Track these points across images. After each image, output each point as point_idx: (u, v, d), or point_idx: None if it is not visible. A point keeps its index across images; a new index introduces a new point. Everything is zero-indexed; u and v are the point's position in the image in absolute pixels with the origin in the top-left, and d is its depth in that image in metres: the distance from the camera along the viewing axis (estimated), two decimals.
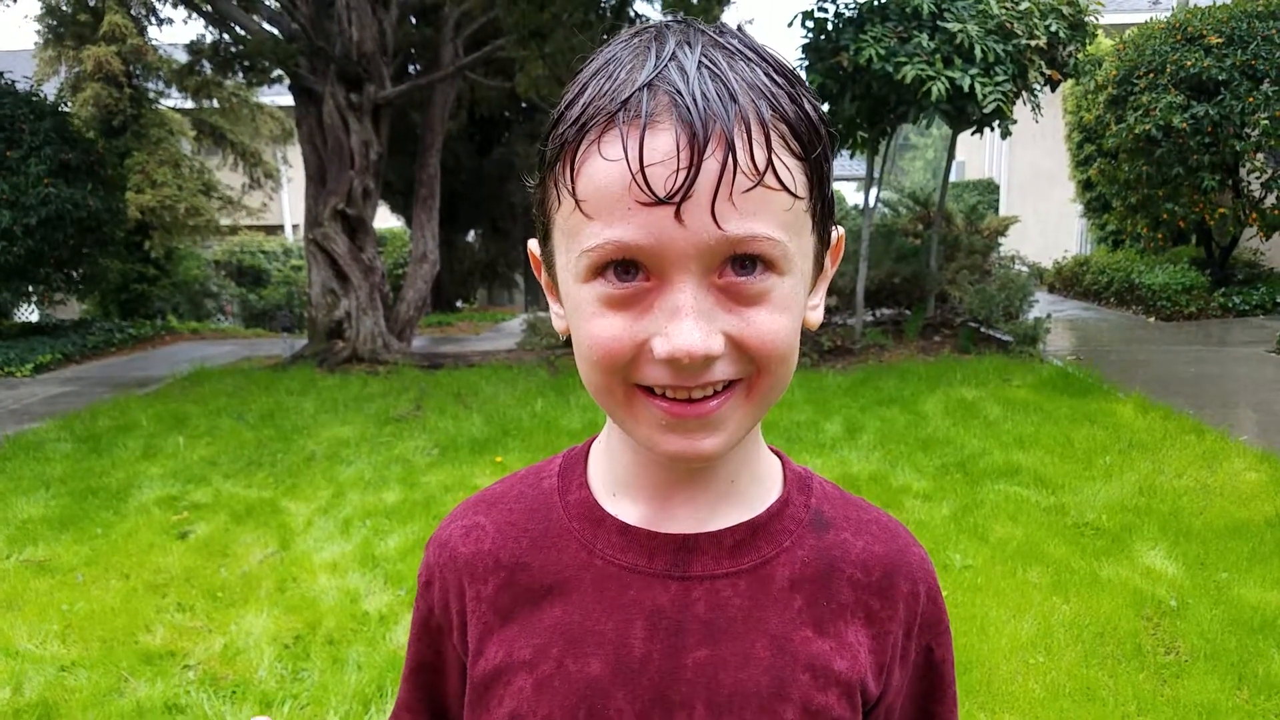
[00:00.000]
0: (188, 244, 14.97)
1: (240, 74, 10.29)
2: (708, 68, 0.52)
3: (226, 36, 9.59)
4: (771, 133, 0.52)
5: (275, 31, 9.11)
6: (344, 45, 8.39)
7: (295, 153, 16.89)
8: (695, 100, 0.51)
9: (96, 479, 5.20)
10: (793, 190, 0.54)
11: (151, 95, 13.61)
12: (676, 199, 0.51)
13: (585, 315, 0.57)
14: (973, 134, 7.91)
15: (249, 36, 9.15)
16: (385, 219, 15.63)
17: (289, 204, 19.48)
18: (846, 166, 17.24)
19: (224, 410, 6.78)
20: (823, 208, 0.58)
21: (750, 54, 0.55)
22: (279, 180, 15.62)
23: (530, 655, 0.64)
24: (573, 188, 0.54)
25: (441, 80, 9.20)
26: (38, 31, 13.47)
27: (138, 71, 13.13)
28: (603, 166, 0.52)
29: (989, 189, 18.02)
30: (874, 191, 8.43)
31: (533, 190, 0.62)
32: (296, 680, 3.02)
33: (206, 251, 16.85)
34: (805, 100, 0.55)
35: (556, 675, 0.62)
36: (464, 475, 5.22)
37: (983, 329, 8.29)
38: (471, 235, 16.60)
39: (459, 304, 16.50)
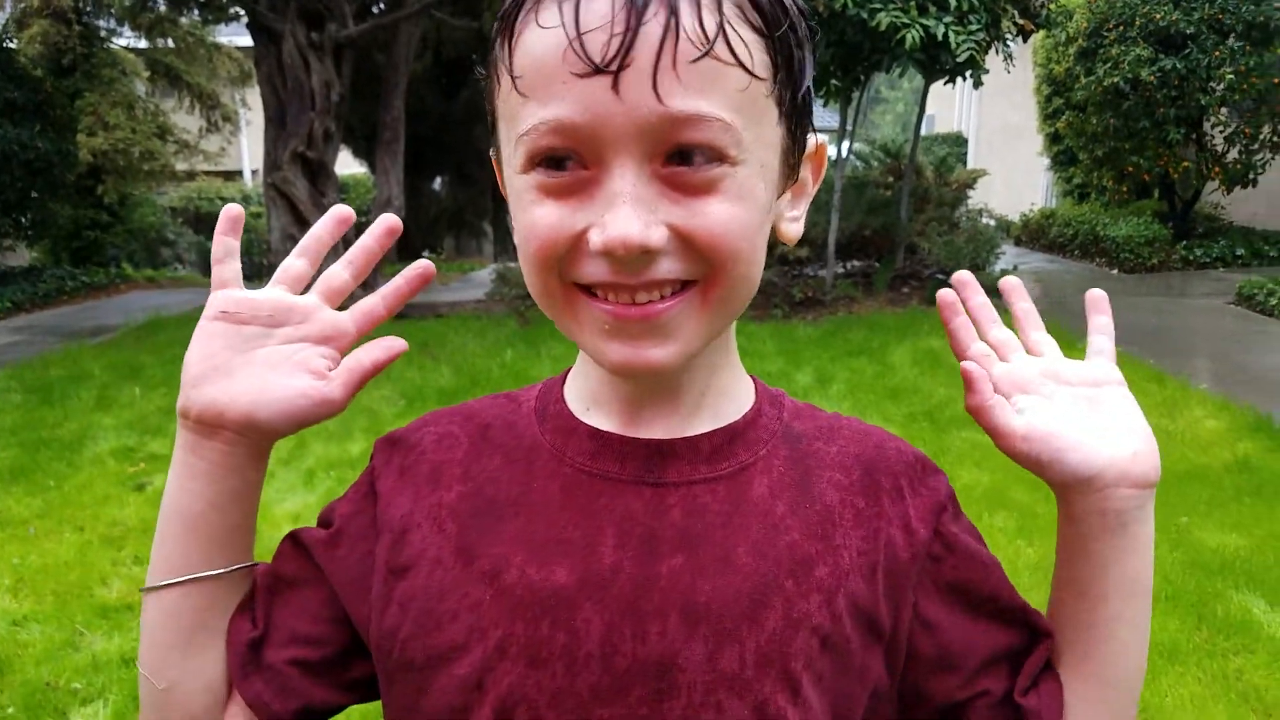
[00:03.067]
0: (142, 189, 14.51)
1: (196, 11, 9.90)
2: None
3: None
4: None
5: None
6: None
7: (254, 95, 16.36)
8: None
9: (48, 430, 5.07)
10: (749, 67, 0.47)
11: (103, 33, 13.06)
12: (613, 67, 0.45)
13: (523, 206, 0.52)
14: (945, 83, 7.85)
15: None
16: (348, 165, 15.26)
17: (248, 149, 18.94)
18: (820, 117, 17.13)
19: (180, 360, 6.60)
20: (793, 98, 0.51)
21: None
22: (237, 124, 15.14)
23: (490, 565, 0.57)
24: (510, 63, 0.49)
25: (406, 18, 8.90)
26: None
27: (88, 8, 12.57)
28: (538, 35, 0.47)
29: (958, 142, 18.00)
30: (846, 143, 8.35)
31: (483, 81, 0.55)
32: None
33: (162, 198, 16.35)
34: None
35: (519, 584, 0.56)
36: None
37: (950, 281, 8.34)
38: (438, 182, 16.28)
39: (425, 253, 16.25)
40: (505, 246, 16.98)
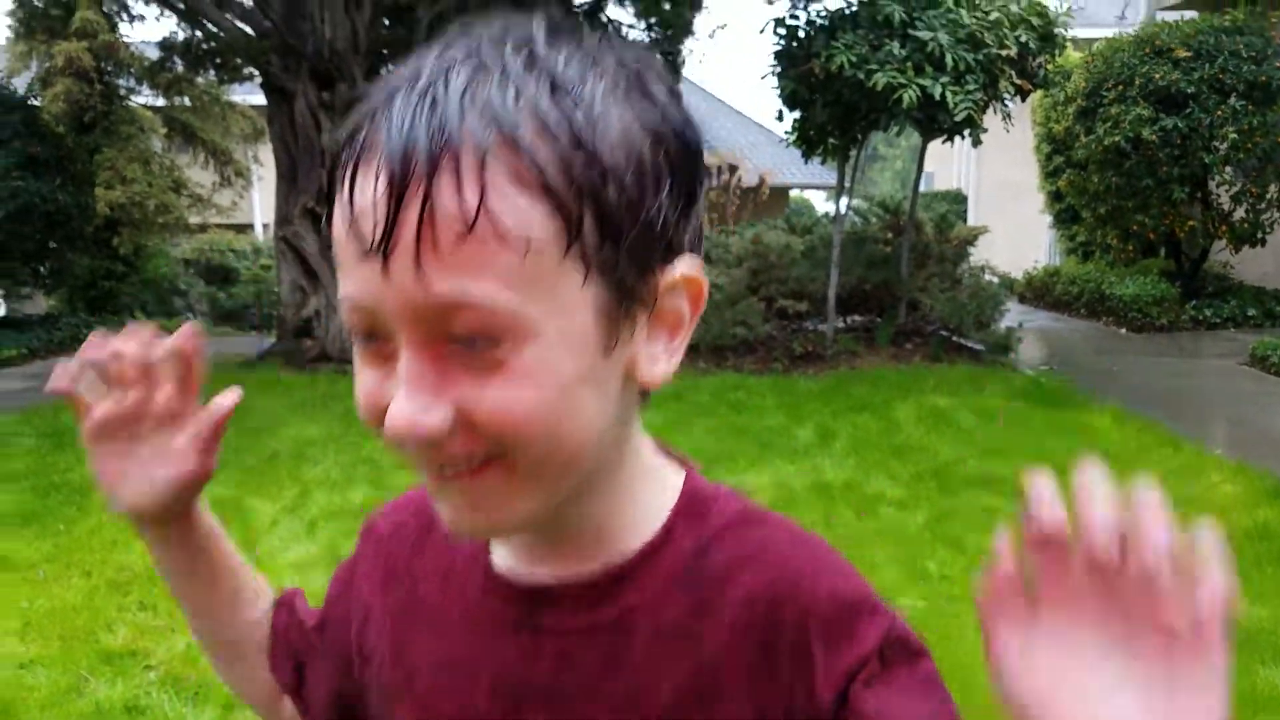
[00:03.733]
0: (157, 241, 14.76)
1: (212, 71, 10.18)
2: (444, 87, 0.43)
3: (199, 33, 9.49)
4: (494, 166, 0.42)
5: (247, 29, 9.03)
6: (316, 43, 8.33)
7: (266, 151, 16.69)
8: (401, 132, 0.42)
9: (59, 474, 5.11)
10: (527, 234, 0.43)
11: (123, 92, 13.43)
12: (380, 250, 0.43)
13: (355, 367, 0.49)
14: (944, 142, 8.00)
15: (221, 33, 9.06)
16: None
17: (259, 203, 19.27)
18: (816, 174, 17.38)
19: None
20: (615, 245, 0.45)
21: (544, 66, 0.45)
22: (249, 179, 15.45)
23: (406, 673, 0.60)
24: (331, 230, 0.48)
25: None
26: (9, 25, 13.26)
27: (109, 68, 12.95)
28: (337, 212, 0.46)
29: (957, 199, 18.22)
30: (844, 200, 8.50)
31: None
32: None
33: (176, 249, 16.61)
34: (598, 122, 0.44)
35: (425, 699, 0.58)
36: None
37: (954, 337, 8.37)
38: None
39: None
40: None
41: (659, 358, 0.51)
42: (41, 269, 10.57)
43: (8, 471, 5.19)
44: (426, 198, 0.42)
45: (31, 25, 12.20)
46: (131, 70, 13.11)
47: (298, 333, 8.69)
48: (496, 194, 0.42)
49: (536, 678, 0.55)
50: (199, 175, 14.85)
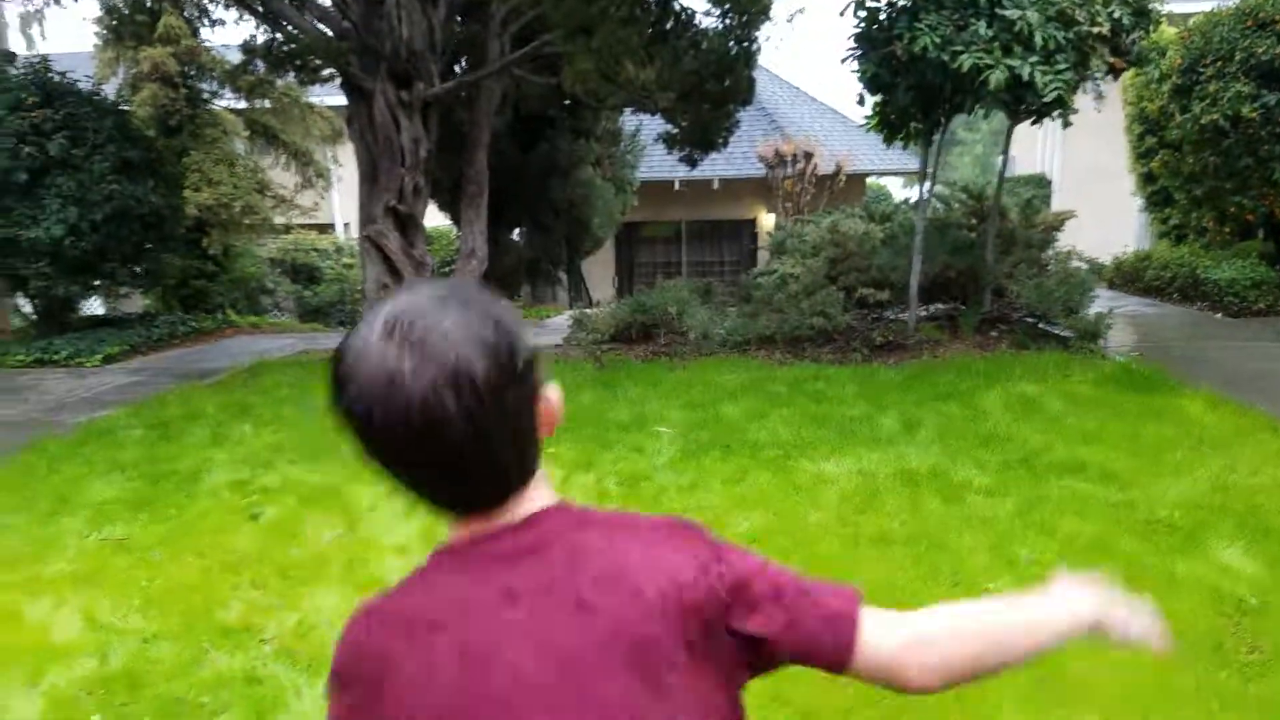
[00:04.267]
0: (244, 242, 15.27)
1: (292, 73, 10.46)
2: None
3: (279, 36, 9.76)
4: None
5: (326, 30, 9.26)
6: (394, 43, 8.49)
7: (345, 152, 17.12)
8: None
9: (168, 464, 5.34)
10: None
11: (205, 95, 13.90)
12: None
13: None
14: (1032, 124, 7.78)
15: (301, 35, 9.31)
16: (432, 217, 15.79)
17: (339, 203, 19.79)
18: (893, 160, 17.04)
19: (287, 400, 6.92)
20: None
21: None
22: (329, 180, 15.87)
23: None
24: None
25: (488, 76, 9.27)
26: (97, 33, 13.83)
27: (192, 72, 13.41)
28: None
29: (1040, 184, 17.69)
30: (926, 185, 8.34)
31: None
32: None
33: (261, 249, 17.17)
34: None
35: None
36: None
37: (1041, 324, 8.15)
38: (516, 233, 16.73)
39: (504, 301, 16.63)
40: (580, 293, 17.29)
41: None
42: (137, 269, 11.01)
43: (120, 461, 5.44)
44: None
45: (120, 32, 12.68)
46: (214, 74, 13.57)
47: None
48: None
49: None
50: (281, 177, 15.31)
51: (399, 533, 4.21)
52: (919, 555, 3.80)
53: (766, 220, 18.13)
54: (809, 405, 6.26)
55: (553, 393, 0.88)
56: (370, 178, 8.86)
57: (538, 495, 0.90)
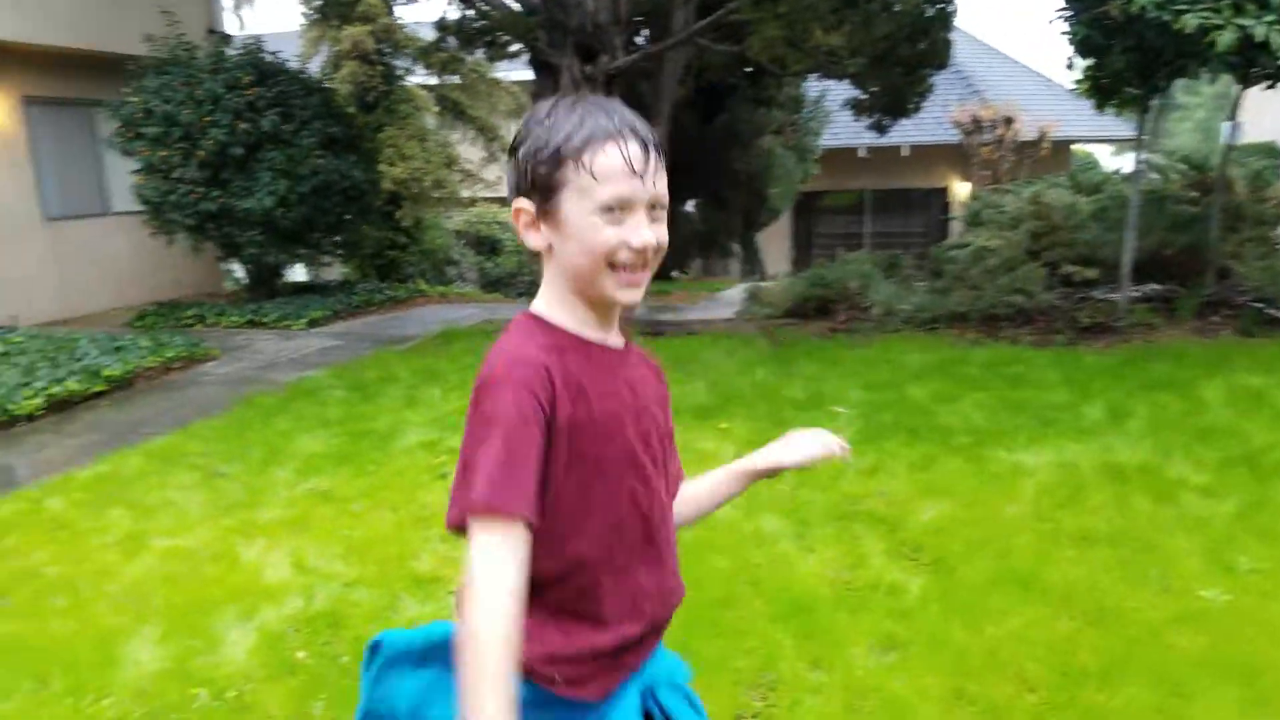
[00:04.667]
0: (433, 214, 16.08)
1: (481, 49, 10.84)
2: (630, 114, 1.14)
3: (470, 12, 10.11)
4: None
5: (516, 6, 9.51)
6: (580, 17, 8.61)
7: None
8: (640, 130, 1.13)
9: (367, 423, 5.70)
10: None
11: (400, 72, 14.63)
12: (644, 174, 1.12)
13: (598, 229, 1.12)
14: (1265, 89, 6.95)
15: (491, 11, 9.61)
16: None
17: None
18: (1103, 126, 15.71)
19: (472, 367, 7.20)
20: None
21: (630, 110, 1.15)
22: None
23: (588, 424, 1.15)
24: (591, 169, 1.10)
25: (672, 47, 9.24)
26: (303, 13, 14.82)
27: (388, 49, 14.13)
28: (611, 157, 1.11)
29: (1270, 153, 15.83)
30: (1143, 154, 7.62)
31: (540, 172, 1.14)
32: None
33: (448, 222, 18.03)
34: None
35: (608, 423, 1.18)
36: (689, 439, 5.25)
37: (1270, 310, 7.32)
38: (690, 205, 16.71)
39: (675, 273, 16.70)
40: (754, 266, 17.05)
41: None
42: (338, 239, 11.79)
43: (325, 418, 5.84)
44: (657, 153, 1.13)
45: (325, 11, 13.50)
46: (408, 51, 14.26)
47: None
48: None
49: (643, 397, 1.24)
50: (467, 151, 15.98)
51: None
52: (1125, 557, 3.49)
53: (960, 190, 17.19)
54: (1005, 390, 5.91)
55: None
56: None
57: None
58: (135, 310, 10.61)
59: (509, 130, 16.46)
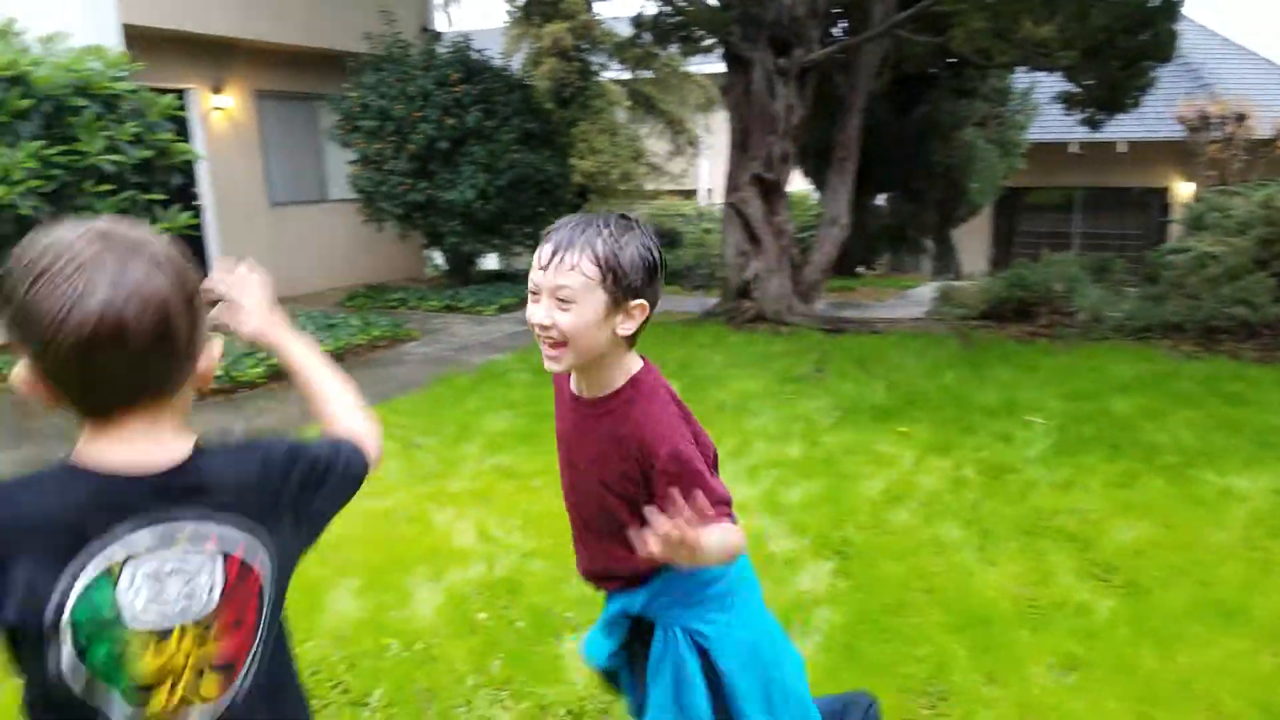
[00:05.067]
0: (617, 207, 16.51)
1: (676, 44, 11.00)
2: (568, 230, 1.48)
3: (666, 8, 10.27)
4: (583, 256, 1.43)
5: (712, 1, 9.57)
6: (776, 10, 8.55)
7: (716, 119, 17.78)
8: (552, 235, 1.48)
9: (547, 405, 5.83)
10: (587, 275, 1.43)
11: (594, 67, 15.06)
12: (544, 268, 1.46)
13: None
14: None
15: (687, 7, 9.72)
16: (792, 182, 15.85)
17: (705, 169, 20.60)
18: None
19: (646, 355, 7.37)
20: (615, 286, 1.44)
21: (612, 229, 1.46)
22: (699, 146, 16.51)
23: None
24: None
25: (870, 39, 9.02)
26: (508, 11, 15.54)
27: (585, 46, 14.58)
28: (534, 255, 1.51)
29: None
30: None
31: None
32: None
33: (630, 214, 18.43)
34: (623, 250, 1.44)
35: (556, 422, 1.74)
36: (865, 440, 5.15)
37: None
38: (880, 199, 16.21)
39: (860, 269, 16.29)
40: (948, 264, 16.32)
41: (626, 327, 1.48)
42: (528, 230, 12.31)
43: (509, 399, 6.14)
44: (562, 255, 1.45)
45: (529, 10, 14.09)
46: (604, 47, 14.67)
47: (738, 293, 9.15)
48: (581, 263, 1.43)
49: (576, 431, 1.66)
50: (653, 144, 16.28)
51: (740, 492, 4.29)
52: None
53: (1182, 190, 15.73)
54: (1221, 408, 5.40)
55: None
56: (740, 145, 9.06)
57: None
58: (346, 291, 11.56)
59: (698, 123, 16.63)
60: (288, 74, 11.79)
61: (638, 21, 10.83)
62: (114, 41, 8.46)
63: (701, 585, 1.67)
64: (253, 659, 1.05)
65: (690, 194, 21.17)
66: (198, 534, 0.98)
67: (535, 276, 1.45)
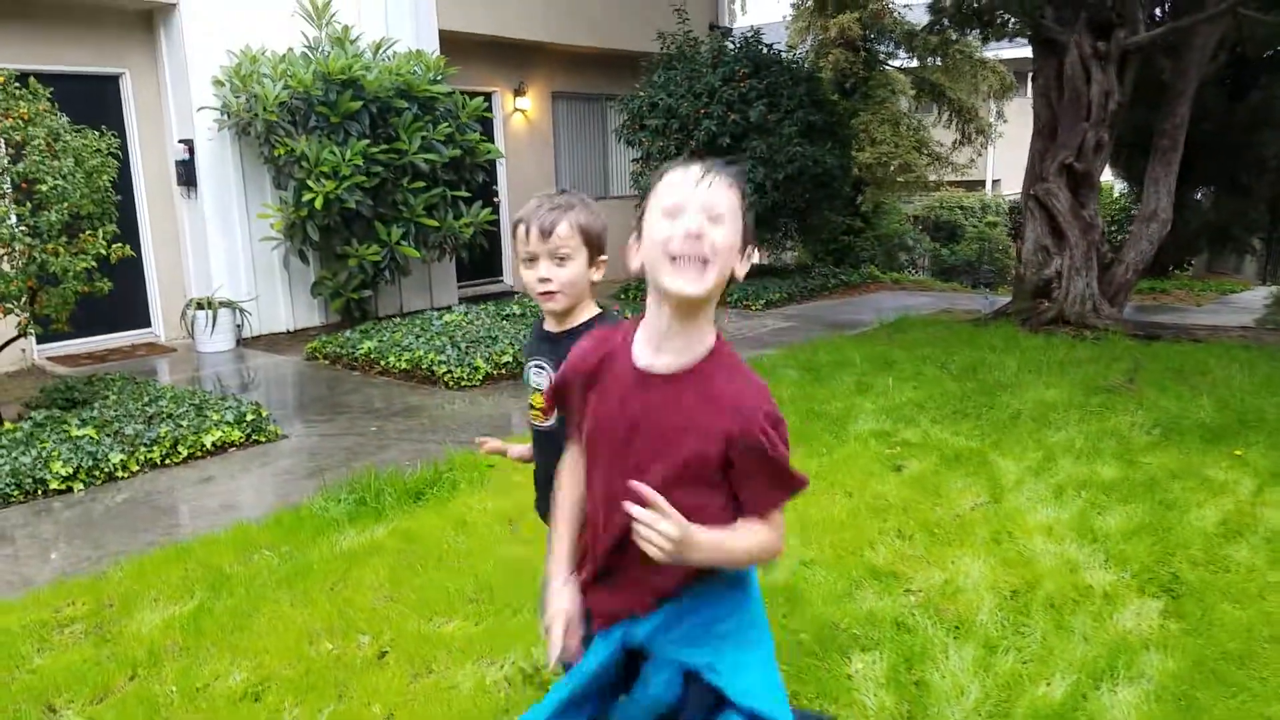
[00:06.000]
0: (893, 199, 15.82)
1: (976, 29, 10.31)
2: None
3: None
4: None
5: None
6: None
7: (1010, 108, 16.52)
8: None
9: (818, 404, 5.79)
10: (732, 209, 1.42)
11: (881, 57, 14.52)
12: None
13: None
14: None
15: None
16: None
17: (993, 160, 19.27)
18: None
19: (928, 358, 6.99)
20: (743, 231, 1.43)
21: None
22: (989, 136, 15.44)
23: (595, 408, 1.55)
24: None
25: (1208, 20, 7.93)
26: (793, 4, 15.36)
27: (873, 35, 14.10)
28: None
29: None
30: None
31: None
32: (1018, 634, 2.93)
33: (906, 207, 17.61)
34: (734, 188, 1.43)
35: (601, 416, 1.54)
36: (1193, 464, 4.52)
37: None
38: (1199, 194, 14.29)
39: (1173, 270, 14.50)
40: (1277, 266, 14.11)
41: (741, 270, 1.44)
42: (799, 225, 12.09)
43: (779, 397, 5.85)
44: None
45: (823, 1, 13.84)
46: (892, 35, 14.08)
47: (1035, 293, 8.42)
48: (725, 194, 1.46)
49: (653, 411, 1.46)
50: (938, 134, 15.40)
51: (1045, 514, 3.92)
52: None
53: None
54: None
55: None
56: (1046, 133, 8.35)
57: None
58: (620, 283, 12.02)
59: (988, 111, 15.55)
60: (581, 75, 12.46)
61: (936, 7, 10.27)
62: (432, 48, 9.31)
63: (713, 620, 1.55)
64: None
65: (976, 185, 19.90)
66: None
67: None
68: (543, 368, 1.99)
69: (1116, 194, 16.92)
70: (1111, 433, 5.06)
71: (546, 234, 1.84)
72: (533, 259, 1.88)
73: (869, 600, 3.18)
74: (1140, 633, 2.94)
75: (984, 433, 5.10)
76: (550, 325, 2.01)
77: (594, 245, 1.91)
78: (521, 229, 1.87)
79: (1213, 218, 14.02)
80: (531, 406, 2.06)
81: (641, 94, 11.05)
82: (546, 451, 1.99)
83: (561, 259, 1.86)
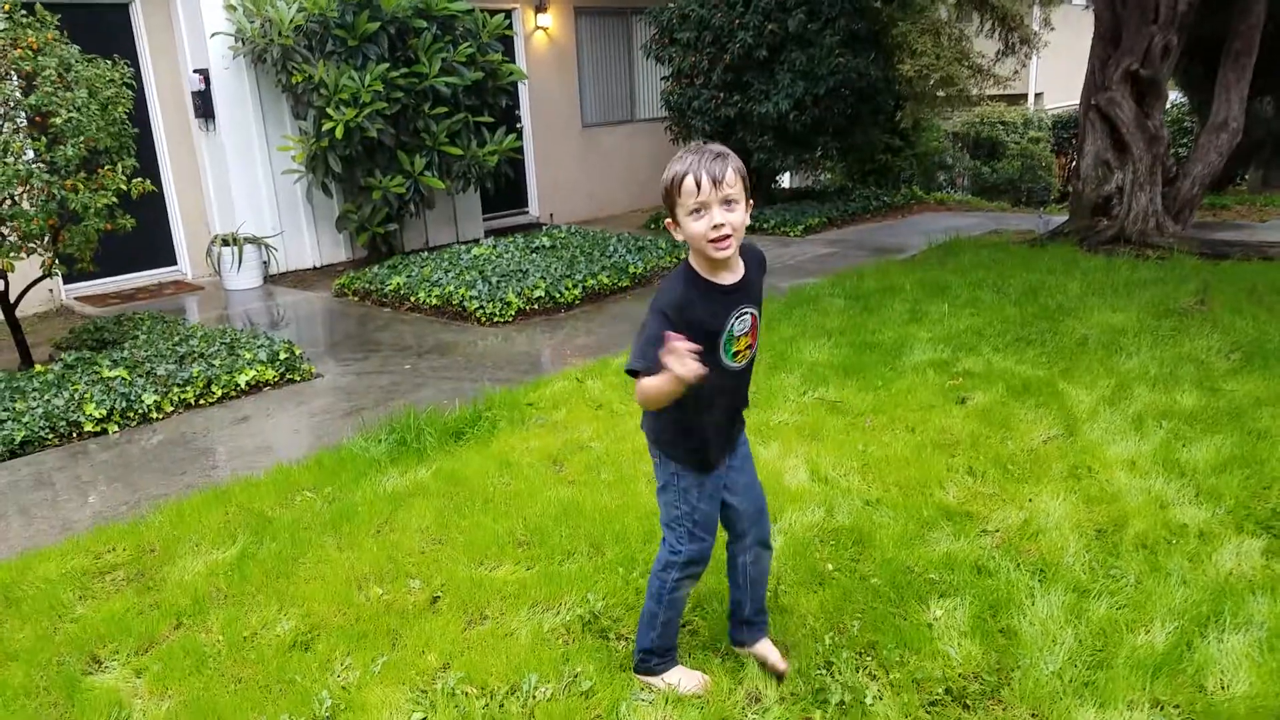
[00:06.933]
0: (933, 115, 15.13)
1: None
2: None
3: None
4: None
5: None
6: None
7: (1057, 15, 15.61)
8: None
9: (870, 335, 5.52)
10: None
11: None
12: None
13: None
14: None
15: None
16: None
17: (1036, 72, 18.40)
18: None
19: (983, 282, 6.66)
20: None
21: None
22: (1034, 47, 14.63)
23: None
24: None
25: None
26: None
27: None
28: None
29: None
30: None
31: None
32: (1110, 577, 2.73)
33: (945, 123, 16.87)
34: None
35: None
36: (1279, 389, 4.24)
37: None
38: (1265, 102, 13.49)
39: (1236, 182, 13.83)
40: None
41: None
42: (839, 144, 11.55)
43: (825, 327, 5.72)
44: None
45: None
46: None
47: (1094, 210, 7.99)
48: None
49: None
50: (980, 44, 14.61)
51: (1126, 446, 3.68)
52: None
53: None
54: None
55: None
56: (1108, 38, 7.81)
57: None
58: (650, 213, 11.65)
59: (1034, 19, 14.71)
60: None
61: None
62: None
63: None
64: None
65: (1017, 99, 19.06)
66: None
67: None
68: (749, 313, 2.07)
69: (1169, 105, 16.11)
70: (1188, 358, 4.77)
71: (718, 182, 1.91)
72: (699, 209, 1.93)
73: (943, 542, 2.98)
74: (1243, 574, 2.73)
75: (1051, 360, 4.83)
76: (721, 272, 2.05)
77: (749, 190, 2.00)
78: (689, 180, 1.91)
79: (1276, 127, 13.29)
80: (734, 352, 2.09)
81: (671, 4, 10.52)
82: (730, 390, 2.13)
83: (731, 204, 1.94)
